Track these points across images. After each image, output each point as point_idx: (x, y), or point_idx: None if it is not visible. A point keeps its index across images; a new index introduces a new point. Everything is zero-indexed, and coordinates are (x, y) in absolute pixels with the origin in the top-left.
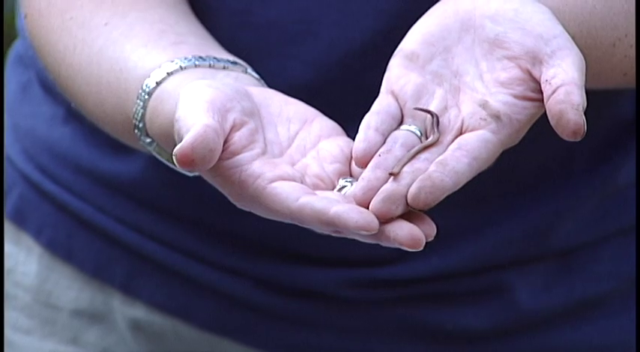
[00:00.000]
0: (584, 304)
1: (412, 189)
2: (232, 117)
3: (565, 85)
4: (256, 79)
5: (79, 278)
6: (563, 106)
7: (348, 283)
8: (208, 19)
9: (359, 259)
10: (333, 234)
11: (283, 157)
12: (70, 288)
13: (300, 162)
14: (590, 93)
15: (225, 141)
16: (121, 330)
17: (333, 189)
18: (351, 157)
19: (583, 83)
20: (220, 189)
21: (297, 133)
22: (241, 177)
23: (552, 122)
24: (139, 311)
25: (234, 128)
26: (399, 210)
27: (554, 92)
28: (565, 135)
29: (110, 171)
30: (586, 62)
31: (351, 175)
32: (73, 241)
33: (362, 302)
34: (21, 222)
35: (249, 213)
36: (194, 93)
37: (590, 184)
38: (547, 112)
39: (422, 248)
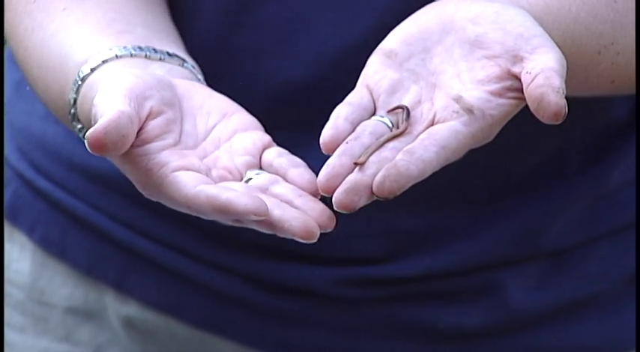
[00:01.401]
0: (575, 304)
1: (377, 178)
2: (149, 105)
3: (544, 71)
4: (192, 73)
5: (72, 276)
6: (544, 89)
7: (339, 281)
8: (203, 20)
9: (350, 257)
10: (235, 225)
11: (196, 150)
12: (64, 285)
13: (212, 155)
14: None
15: (140, 129)
16: (114, 328)
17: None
18: (263, 150)
19: (563, 75)
20: (129, 177)
21: (214, 126)
22: (147, 166)
23: (533, 107)
24: (131, 309)
25: (149, 116)
26: (362, 201)
27: (533, 79)
28: (546, 117)
29: (104, 168)
30: (571, 69)
31: (260, 168)
32: (67, 238)
33: (353, 300)
34: (14, 219)
35: None
36: (114, 80)
37: (582, 185)
38: (527, 100)
39: (315, 240)
